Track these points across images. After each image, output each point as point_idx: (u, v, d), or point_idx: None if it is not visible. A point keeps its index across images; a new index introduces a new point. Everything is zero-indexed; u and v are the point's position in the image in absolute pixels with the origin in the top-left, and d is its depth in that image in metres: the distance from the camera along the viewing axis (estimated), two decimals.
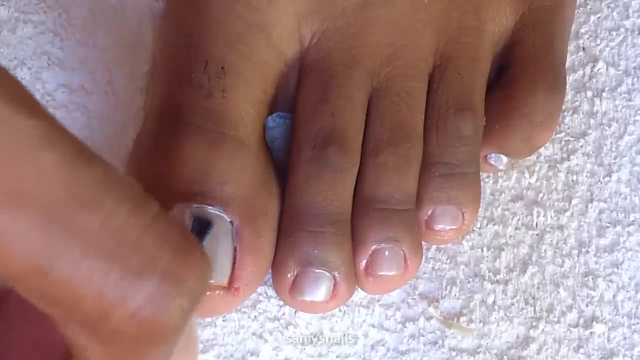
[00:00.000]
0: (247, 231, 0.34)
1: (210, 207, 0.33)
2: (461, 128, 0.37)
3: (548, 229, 0.39)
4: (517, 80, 0.38)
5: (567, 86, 0.39)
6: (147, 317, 0.22)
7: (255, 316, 0.37)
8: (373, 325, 0.37)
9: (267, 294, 0.37)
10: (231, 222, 0.34)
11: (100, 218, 0.21)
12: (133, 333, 0.22)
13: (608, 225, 0.39)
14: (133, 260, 0.21)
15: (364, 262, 0.36)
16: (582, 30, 0.41)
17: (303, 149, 0.36)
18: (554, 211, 0.39)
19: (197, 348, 0.25)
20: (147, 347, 0.22)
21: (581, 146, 0.40)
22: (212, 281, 0.33)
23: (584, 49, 0.41)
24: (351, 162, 0.36)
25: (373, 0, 0.37)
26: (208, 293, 0.33)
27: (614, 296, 0.38)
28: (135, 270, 0.21)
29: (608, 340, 0.38)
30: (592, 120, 0.40)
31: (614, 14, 0.42)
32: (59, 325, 0.22)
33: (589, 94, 0.41)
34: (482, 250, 0.38)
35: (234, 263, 0.34)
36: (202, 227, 0.32)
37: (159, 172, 0.34)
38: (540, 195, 0.39)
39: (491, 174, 0.39)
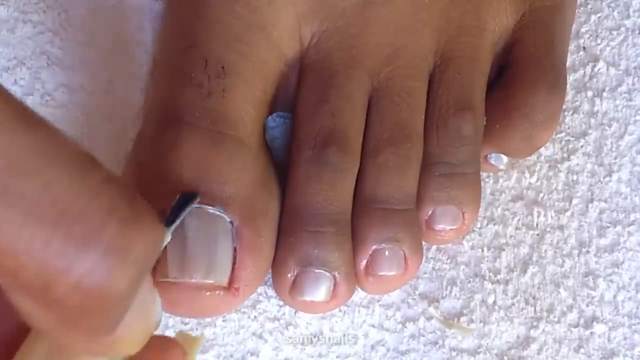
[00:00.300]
0: (247, 231, 0.34)
1: (210, 207, 0.33)
2: (461, 128, 0.37)
3: (548, 229, 0.39)
4: (518, 80, 0.38)
5: (568, 86, 0.39)
6: (91, 286, 0.21)
7: (255, 316, 0.37)
8: (373, 325, 0.37)
9: (267, 294, 0.37)
10: (231, 222, 0.34)
11: (39, 185, 0.20)
12: (78, 301, 0.21)
13: (608, 225, 0.39)
14: (76, 228, 0.21)
15: (364, 262, 0.36)
16: (583, 30, 0.41)
17: (303, 149, 0.36)
18: (555, 211, 0.39)
19: (155, 314, 0.25)
20: (93, 314, 0.22)
21: (581, 146, 0.40)
22: (212, 281, 0.33)
23: (584, 48, 0.41)
24: (351, 162, 0.36)
25: (373, 0, 0.37)
26: (208, 293, 0.33)
27: (615, 296, 0.38)
28: (79, 239, 0.21)
29: (608, 340, 0.38)
30: (592, 120, 0.40)
31: (615, 13, 0.42)
32: (6, 291, 0.22)
33: (590, 93, 0.41)
34: (483, 250, 0.38)
35: (234, 263, 0.34)
36: (184, 200, 0.32)
37: (159, 171, 0.34)
38: (541, 195, 0.39)
39: (491, 174, 0.39)
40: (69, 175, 0.21)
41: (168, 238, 0.29)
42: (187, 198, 0.32)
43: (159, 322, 0.26)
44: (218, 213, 0.33)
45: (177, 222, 0.30)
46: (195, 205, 0.32)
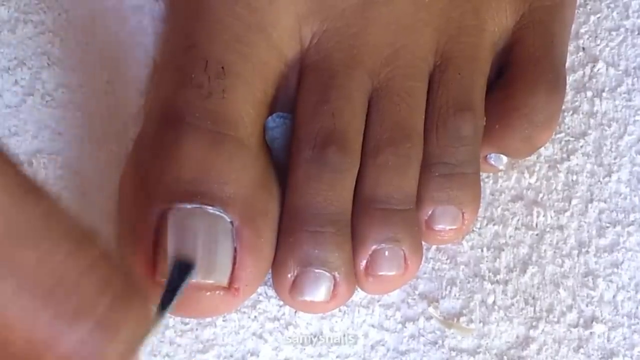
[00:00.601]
0: (247, 231, 0.34)
1: (210, 208, 0.33)
2: (461, 128, 0.37)
3: (548, 229, 0.39)
4: (517, 80, 0.38)
5: (567, 86, 0.39)
6: None
7: (255, 316, 0.37)
8: (373, 326, 0.37)
9: (267, 294, 0.37)
10: (231, 222, 0.34)
11: (37, 255, 0.21)
12: None
13: (608, 225, 0.39)
14: (69, 302, 0.21)
15: (364, 262, 0.36)
16: (582, 31, 0.41)
17: (303, 149, 0.36)
18: (554, 211, 0.39)
19: None
20: None
21: (581, 146, 0.40)
22: (212, 281, 0.33)
23: (584, 49, 0.41)
24: (351, 163, 0.36)
25: (373, 0, 0.37)
26: (208, 293, 0.33)
27: (614, 296, 0.38)
28: (70, 313, 0.21)
29: (608, 341, 0.38)
30: (592, 121, 0.40)
31: (614, 14, 0.42)
32: None
33: (589, 94, 0.41)
34: (482, 251, 0.38)
35: (234, 263, 0.34)
36: (182, 270, 0.32)
37: (159, 172, 0.34)
38: (540, 195, 0.39)
39: (491, 174, 0.39)
40: (66, 248, 0.21)
41: (164, 319, 0.29)
42: (182, 272, 0.32)
43: None
44: (218, 213, 0.33)
45: (174, 301, 0.30)
46: (195, 206, 0.32)
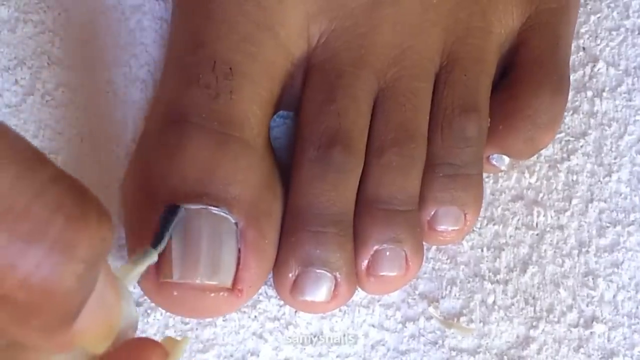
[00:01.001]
0: (251, 232, 0.34)
1: (214, 208, 0.33)
2: (466, 129, 0.37)
3: (548, 229, 0.39)
4: (522, 82, 0.38)
5: None
6: (38, 282, 0.21)
7: (255, 316, 0.37)
8: (373, 325, 0.37)
9: (267, 294, 0.37)
10: (235, 223, 0.34)
11: None
12: (24, 298, 0.21)
13: (608, 225, 0.39)
14: (20, 226, 0.21)
15: (365, 262, 0.36)
16: (583, 30, 0.41)
17: (307, 149, 0.36)
18: (554, 211, 0.39)
19: (121, 310, 0.25)
20: (43, 311, 0.22)
21: (581, 146, 0.40)
22: (216, 282, 0.33)
23: (584, 49, 0.41)
24: (355, 163, 0.36)
25: (382, 0, 0.37)
26: (212, 294, 0.33)
27: (614, 296, 0.38)
28: (23, 236, 0.21)
29: (608, 340, 0.38)
30: (592, 120, 0.40)
31: (614, 13, 0.42)
32: None
33: (589, 94, 0.41)
34: (482, 250, 0.39)
35: (237, 264, 0.34)
36: (168, 215, 0.32)
37: (164, 172, 0.34)
38: (541, 195, 0.39)
39: (491, 174, 0.39)
40: (14, 172, 0.21)
41: (155, 257, 0.30)
42: (170, 214, 0.32)
43: (135, 321, 0.26)
44: (223, 214, 0.33)
45: (164, 240, 0.31)
46: (179, 215, 0.33)
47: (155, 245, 0.31)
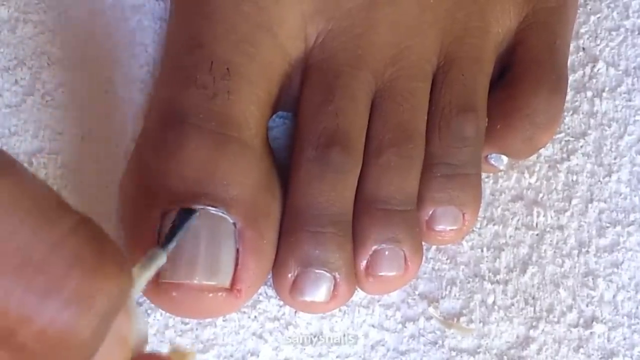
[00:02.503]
0: (249, 233, 0.34)
1: (213, 209, 0.33)
2: (464, 129, 0.37)
3: (548, 229, 0.39)
4: (520, 81, 0.38)
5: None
6: (54, 335, 0.21)
7: (255, 316, 0.37)
8: (373, 325, 0.37)
9: (267, 294, 0.37)
10: (234, 223, 0.34)
11: (2, 233, 0.21)
12: (40, 349, 0.22)
13: (608, 225, 0.39)
14: (38, 278, 0.21)
15: (364, 263, 0.36)
16: (582, 31, 0.41)
17: (306, 149, 0.36)
18: (554, 211, 0.39)
19: (133, 339, 0.25)
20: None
21: (581, 146, 0.40)
22: (214, 283, 0.33)
23: (584, 49, 0.41)
24: (354, 163, 0.36)
25: (379, 0, 0.37)
26: (210, 295, 0.33)
27: (614, 296, 0.38)
28: (41, 289, 0.21)
29: (608, 340, 0.38)
30: (592, 120, 0.40)
31: (614, 14, 0.42)
32: None
33: (589, 94, 0.41)
34: (482, 251, 0.39)
35: (236, 265, 0.34)
36: (183, 217, 0.32)
37: (162, 172, 0.34)
38: (540, 195, 0.39)
39: (491, 174, 0.39)
40: (34, 224, 0.21)
41: (164, 259, 0.30)
42: (185, 216, 0.32)
43: (145, 335, 0.26)
44: (221, 214, 0.33)
45: (174, 242, 0.31)
46: (193, 219, 0.32)
47: (164, 245, 0.31)
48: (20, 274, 0.21)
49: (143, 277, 0.28)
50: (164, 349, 0.36)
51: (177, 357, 0.27)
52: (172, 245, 0.31)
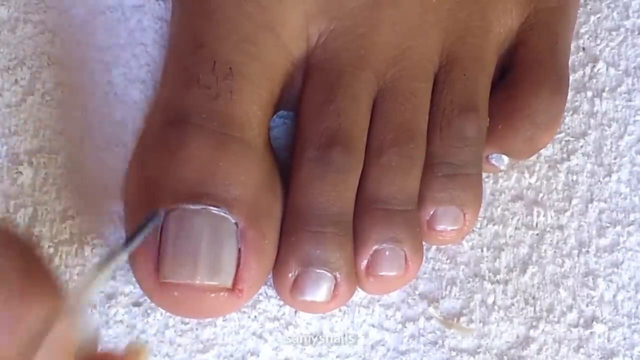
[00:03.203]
0: (251, 233, 0.34)
1: (215, 209, 0.33)
2: (465, 129, 0.37)
3: (548, 229, 0.39)
4: (521, 81, 0.38)
5: None
6: None
7: (255, 316, 0.37)
8: (373, 325, 0.37)
9: (267, 294, 0.37)
10: (236, 223, 0.34)
11: None
12: None
13: (608, 225, 0.39)
14: None
15: (365, 262, 0.36)
16: (582, 31, 0.41)
17: (307, 149, 0.36)
18: (554, 211, 0.39)
19: (77, 343, 0.25)
20: None
21: (581, 146, 0.40)
22: (216, 283, 0.33)
23: (584, 49, 0.41)
24: (355, 163, 0.36)
25: (382, 0, 0.37)
26: (212, 295, 0.33)
27: (614, 296, 0.38)
28: None
29: (608, 340, 0.38)
30: (592, 120, 0.40)
31: (614, 14, 0.42)
32: None
33: (589, 94, 0.41)
34: (482, 250, 0.39)
35: (238, 265, 0.34)
36: (148, 217, 0.33)
37: (164, 172, 0.34)
38: (540, 195, 0.39)
39: (491, 174, 0.39)
40: None
41: (123, 258, 0.30)
42: (150, 216, 0.32)
43: (94, 342, 0.26)
44: (223, 214, 0.33)
45: (136, 242, 0.31)
46: (157, 220, 0.33)
47: (127, 244, 0.31)
48: None
49: (101, 276, 0.28)
50: (164, 349, 0.36)
51: (133, 353, 0.27)
52: (134, 245, 0.31)
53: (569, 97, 0.39)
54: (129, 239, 0.32)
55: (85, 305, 0.26)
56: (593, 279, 0.38)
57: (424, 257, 0.37)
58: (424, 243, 0.37)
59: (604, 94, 0.41)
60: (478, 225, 0.39)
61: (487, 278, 0.38)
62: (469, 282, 0.38)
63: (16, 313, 0.22)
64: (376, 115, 0.37)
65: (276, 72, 0.36)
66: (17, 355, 0.22)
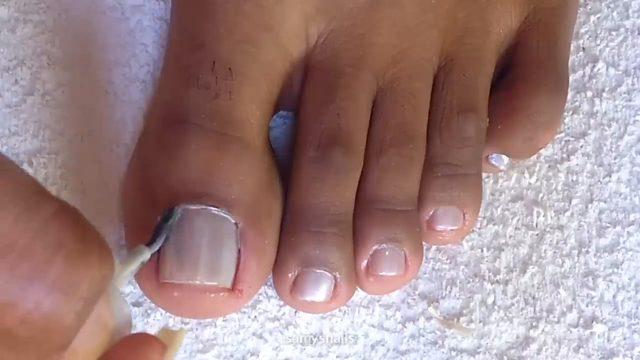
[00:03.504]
0: (251, 233, 0.34)
1: (214, 209, 0.33)
2: (465, 129, 0.37)
3: (548, 229, 0.39)
4: (521, 81, 0.38)
5: None
6: (38, 320, 0.22)
7: (255, 316, 0.37)
8: (373, 326, 0.37)
9: (267, 294, 0.37)
10: (235, 223, 0.34)
11: None
12: (25, 335, 0.22)
13: (608, 225, 0.39)
14: (21, 265, 0.21)
15: (364, 262, 0.36)
16: (582, 31, 0.41)
17: (307, 149, 0.36)
18: (554, 211, 0.39)
19: (114, 321, 0.26)
20: (40, 345, 0.22)
21: (581, 146, 0.40)
22: (215, 283, 0.33)
23: (584, 49, 0.41)
24: (355, 163, 0.36)
25: (381, 0, 0.37)
26: (212, 295, 0.33)
27: (614, 296, 0.38)
28: (24, 275, 0.21)
29: (608, 340, 0.38)
30: (592, 120, 0.40)
31: (614, 14, 0.42)
32: None
33: (589, 94, 0.41)
34: (482, 251, 0.39)
35: (237, 265, 0.34)
36: (166, 216, 0.33)
37: (164, 172, 0.34)
38: (540, 195, 0.39)
39: (491, 174, 0.39)
40: (15, 211, 0.21)
41: (147, 256, 0.30)
42: (168, 215, 0.32)
43: (128, 319, 0.27)
44: (223, 215, 0.33)
45: (159, 241, 0.32)
46: (175, 218, 0.33)
47: (149, 244, 0.31)
48: (4, 261, 0.21)
49: (127, 271, 0.29)
50: None
51: (166, 337, 0.27)
52: (157, 244, 0.31)
53: (569, 97, 0.39)
54: (152, 238, 0.32)
55: (119, 290, 0.27)
56: (593, 279, 0.38)
57: (424, 257, 0.37)
58: (424, 243, 0.37)
59: (604, 94, 0.41)
60: (478, 225, 0.39)
61: (487, 278, 0.38)
62: (469, 282, 0.38)
63: (73, 275, 0.22)
64: (376, 115, 0.37)
65: (275, 72, 0.36)
66: (73, 319, 0.22)
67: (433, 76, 0.37)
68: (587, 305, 0.38)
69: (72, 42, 0.39)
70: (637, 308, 0.38)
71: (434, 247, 0.38)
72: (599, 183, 0.40)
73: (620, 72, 0.41)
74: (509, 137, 0.38)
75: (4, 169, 0.22)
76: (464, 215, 0.37)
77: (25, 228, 0.21)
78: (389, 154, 0.36)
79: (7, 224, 0.21)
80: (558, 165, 0.40)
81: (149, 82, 0.38)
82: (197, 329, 0.36)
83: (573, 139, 0.40)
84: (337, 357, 0.37)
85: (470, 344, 0.37)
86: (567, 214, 0.39)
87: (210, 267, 0.33)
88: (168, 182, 0.34)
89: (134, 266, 0.29)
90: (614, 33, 0.42)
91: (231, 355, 0.36)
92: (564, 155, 0.40)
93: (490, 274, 0.38)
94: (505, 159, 0.38)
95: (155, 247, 0.31)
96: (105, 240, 0.23)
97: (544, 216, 0.39)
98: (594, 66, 0.41)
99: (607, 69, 0.41)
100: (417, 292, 0.38)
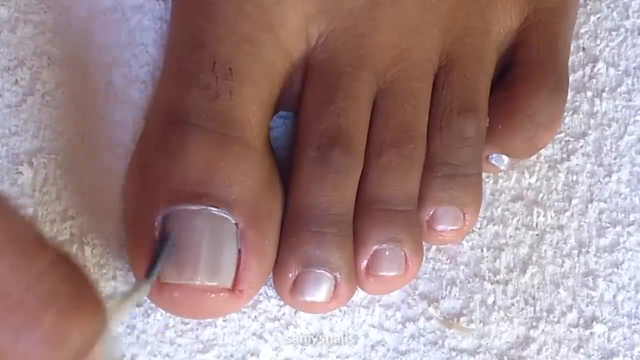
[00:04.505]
0: (251, 233, 0.34)
1: (215, 209, 0.33)
2: (465, 129, 0.37)
3: (548, 229, 0.39)
4: (521, 81, 0.38)
5: None
6: None
7: (255, 316, 0.37)
8: (373, 326, 0.37)
9: (267, 294, 0.37)
10: (236, 224, 0.34)
11: None
12: None
13: (608, 225, 0.39)
14: (12, 318, 0.21)
15: (365, 263, 0.36)
16: (582, 31, 0.41)
17: (307, 149, 0.36)
18: (554, 211, 0.39)
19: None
20: None
21: (581, 146, 0.40)
22: (216, 284, 0.33)
23: (584, 49, 0.41)
24: (355, 163, 0.36)
25: (381, 0, 0.37)
26: (212, 295, 0.34)
27: (614, 296, 0.38)
28: (14, 326, 0.21)
29: (608, 341, 0.38)
30: (592, 121, 0.40)
31: (614, 14, 0.42)
32: None
33: (589, 94, 0.41)
34: (482, 251, 0.39)
35: (238, 265, 0.34)
36: (161, 244, 0.33)
37: (164, 173, 0.34)
38: (540, 195, 0.39)
39: (491, 174, 0.39)
40: (10, 260, 0.21)
41: (147, 290, 0.30)
42: (162, 243, 0.32)
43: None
44: (223, 215, 0.33)
45: (156, 272, 0.32)
46: (171, 244, 0.33)
47: (147, 275, 0.31)
48: None
49: (125, 306, 0.29)
50: (164, 349, 0.36)
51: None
52: (154, 275, 0.31)
53: (569, 97, 0.39)
54: (148, 270, 0.32)
55: (113, 331, 0.26)
56: (593, 279, 0.38)
57: (424, 257, 0.37)
58: (424, 243, 0.37)
59: (604, 94, 0.41)
60: (478, 225, 0.39)
61: (487, 278, 0.38)
62: (469, 282, 0.38)
63: (65, 328, 0.22)
64: (376, 115, 0.37)
65: (276, 72, 0.36)
66: None
67: (433, 76, 0.37)
68: (587, 306, 0.38)
69: (73, 42, 0.39)
70: (637, 308, 0.38)
71: (434, 247, 0.38)
72: (599, 183, 0.40)
73: (620, 72, 0.41)
74: (509, 137, 0.38)
75: (2, 214, 0.21)
76: (464, 215, 0.37)
77: (20, 278, 0.21)
78: (389, 154, 0.36)
79: (1, 273, 0.21)
80: (558, 165, 0.40)
81: (149, 82, 0.38)
82: (197, 329, 0.36)
83: (573, 139, 0.40)
84: (337, 357, 0.37)
85: (470, 344, 0.37)
86: (567, 214, 0.39)
87: (210, 268, 0.33)
88: (168, 183, 0.34)
89: (133, 302, 0.29)
90: (614, 33, 0.42)
91: (231, 356, 0.36)
92: (564, 155, 0.40)
93: (490, 274, 0.38)
94: (505, 159, 0.38)
95: (154, 278, 0.31)
96: (99, 292, 0.23)
97: (544, 216, 0.39)
98: (594, 66, 0.41)
99: (607, 69, 0.41)
100: (417, 292, 0.38)
